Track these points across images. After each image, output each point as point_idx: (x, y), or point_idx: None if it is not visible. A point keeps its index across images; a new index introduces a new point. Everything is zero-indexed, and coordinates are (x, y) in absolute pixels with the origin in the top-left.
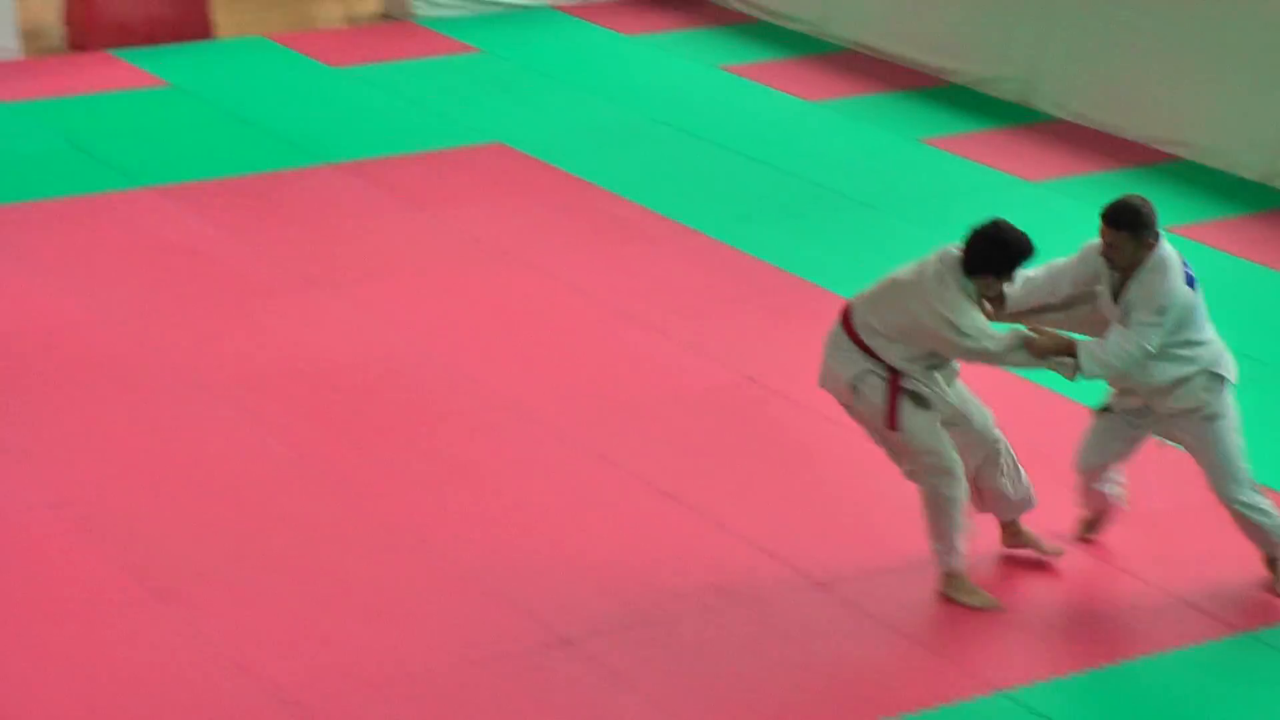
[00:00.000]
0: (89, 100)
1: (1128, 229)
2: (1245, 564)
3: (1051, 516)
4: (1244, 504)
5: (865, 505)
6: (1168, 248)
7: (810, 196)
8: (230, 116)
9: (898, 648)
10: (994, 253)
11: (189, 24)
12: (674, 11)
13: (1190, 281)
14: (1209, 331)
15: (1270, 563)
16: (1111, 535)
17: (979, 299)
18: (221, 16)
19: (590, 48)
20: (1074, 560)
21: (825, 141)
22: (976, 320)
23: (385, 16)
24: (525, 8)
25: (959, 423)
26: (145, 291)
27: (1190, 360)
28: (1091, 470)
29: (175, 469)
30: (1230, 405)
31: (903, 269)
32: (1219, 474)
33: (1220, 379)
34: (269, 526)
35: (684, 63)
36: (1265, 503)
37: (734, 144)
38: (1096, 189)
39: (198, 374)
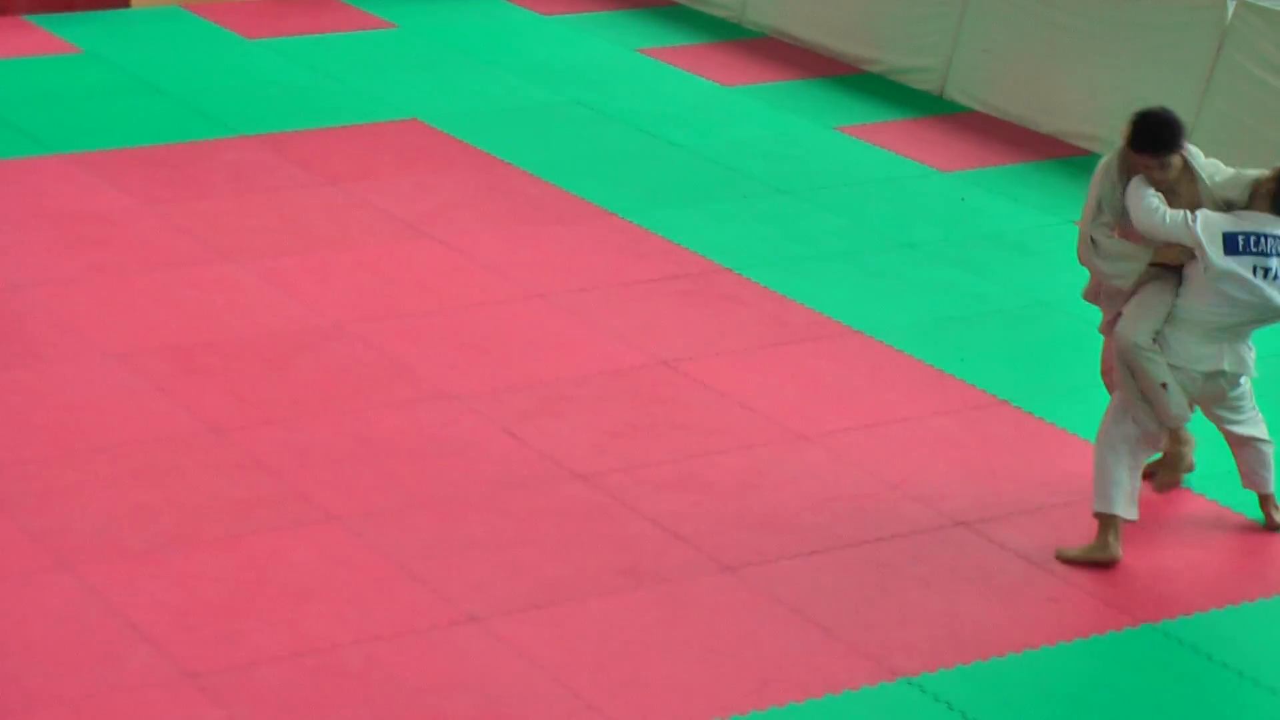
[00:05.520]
0: (1, 65)
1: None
2: (1142, 557)
3: None
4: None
5: (776, 490)
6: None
7: (724, 181)
8: (144, 85)
9: (805, 632)
10: (1157, 129)
11: None
12: None
13: None
14: None
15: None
16: (1012, 526)
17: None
18: None
19: (507, 26)
20: (978, 550)
21: (741, 126)
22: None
23: None
24: None
25: None
26: (55, 259)
27: None
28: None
29: (83, 439)
30: None
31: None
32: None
33: None
34: (177, 499)
35: (601, 44)
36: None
37: (649, 126)
38: (1008, 180)
39: (107, 344)
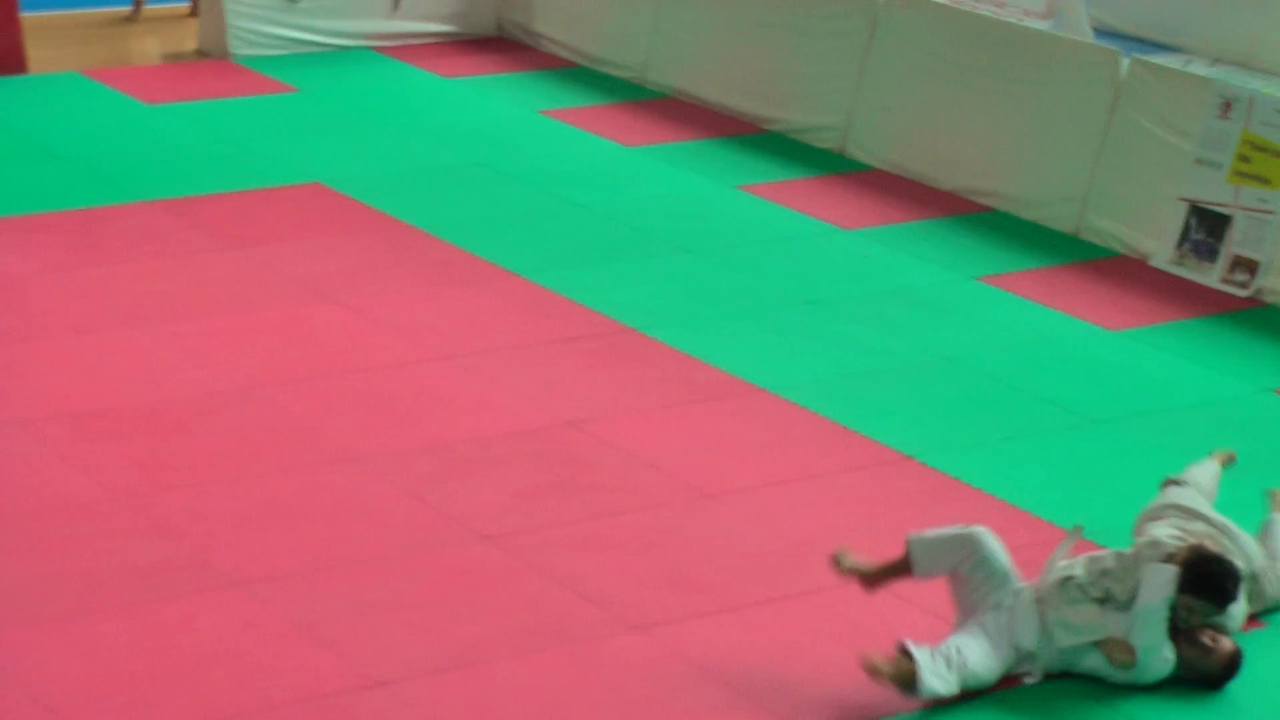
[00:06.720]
0: None
1: None
2: None
3: None
4: None
5: (684, 549)
6: None
7: (628, 241)
8: (42, 151)
9: (715, 692)
10: (1222, 584)
11: (1, 58)
12: (493, 55)
13: None
14: None
15: None
16: (921, 583)
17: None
18: (35, 51)
19: (409, 89)
20: (887, 606)
21: (644, 186)
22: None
23: (201, 54)
24: (343, 48)
25: None
26: None
27: None
28: None
29: None
30: None
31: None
32: None
33: None
34: (80, 566)
35: (503, 106)
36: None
37: (552, 187)
38: (910, 237)
39: (8, 411)
